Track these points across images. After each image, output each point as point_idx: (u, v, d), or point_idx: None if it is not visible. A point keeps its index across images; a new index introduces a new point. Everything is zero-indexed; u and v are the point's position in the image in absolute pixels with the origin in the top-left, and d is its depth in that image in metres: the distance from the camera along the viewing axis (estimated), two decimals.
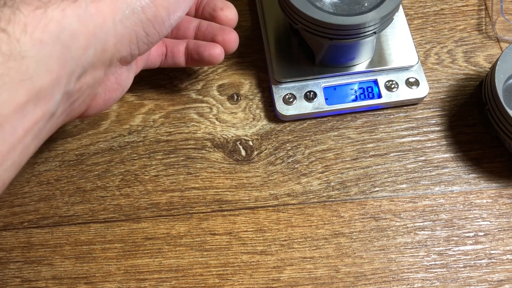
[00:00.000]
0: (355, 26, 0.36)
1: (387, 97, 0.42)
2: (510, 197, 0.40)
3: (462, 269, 0.37)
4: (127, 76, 0.33)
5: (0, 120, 0.22)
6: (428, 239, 0.38)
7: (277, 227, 0.39)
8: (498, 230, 0.38)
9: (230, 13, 0.40)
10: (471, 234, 0.38)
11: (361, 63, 0.43)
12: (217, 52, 0.38)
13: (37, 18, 0.23)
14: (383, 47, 0.44)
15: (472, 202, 0.39)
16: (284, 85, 0.43)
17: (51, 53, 0.24)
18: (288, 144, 0.42)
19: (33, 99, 0.23)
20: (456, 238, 0.38)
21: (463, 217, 0.39)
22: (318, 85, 0.43)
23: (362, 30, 0.37)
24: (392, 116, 0.43)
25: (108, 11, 0.27)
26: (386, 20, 0.38)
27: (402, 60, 0.43)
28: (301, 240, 0.38)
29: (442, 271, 0.37)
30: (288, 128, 0.43)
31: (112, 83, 0.32)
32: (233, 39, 0.39)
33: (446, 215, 0.39)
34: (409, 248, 0.38)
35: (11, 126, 0.23)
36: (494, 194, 0.40)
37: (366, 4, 0.37)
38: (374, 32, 0.38)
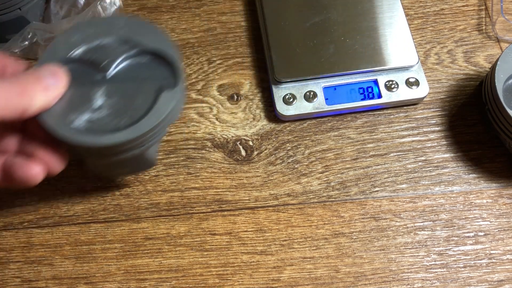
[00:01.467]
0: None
1: (387, 97, 0.42)
2: (510, 197, 0.40)
3: (462, 269, 0.37)
4: None
5: None
6: (428, 239, 0.38)
7: (277, 227, 0.39)
8: (498, 230, 0.38)
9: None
10: (471, 234, 0.38)
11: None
12: (35, 171, 0.31)
13: None
14: (383, 47, 0.44)
15: (472, 202, 0.39)
16: (284, 85, 0.43)
17: None
18: (288, 144, 0.42)
19: None
20: (456, 238, 0.38)
21: (463, 217, 0.39)
22: (318, 85, 0.43)
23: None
24: (392, 116, 0.43)
25: None
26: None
27: (402, 60, 0.43)
28: (301, 240, 0.38)
29: (442, 271, 0.37)
30: (288, 128, 0.43)
31: None
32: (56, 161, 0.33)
33: (446, 215, 0.39)
34: (409, 248, 0.38)
35: None
36: (494, 194, 0.40)
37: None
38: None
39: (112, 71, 0.34)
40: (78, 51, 0.35)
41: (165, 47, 0.35)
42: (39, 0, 0.46)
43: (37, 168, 0.32)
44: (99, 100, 0.33)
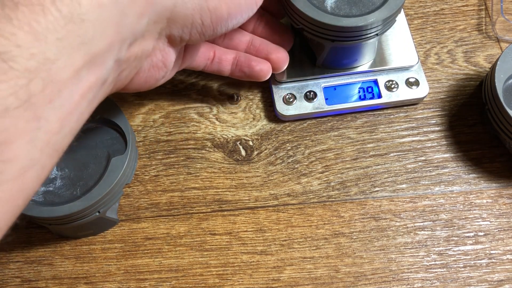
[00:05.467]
0: (358, 28, 0.36)
1: (387, 97, 0.42)
2: (510, 197, 0.40)
3: (462, 269, 0.37)
4: (172, 60, 0.33)
5: (59, 85, 0.21)
6: (428, 239, 0.38)
7: (277, 227, 0.39)
8: (498, 230, 0.38)
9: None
10: (471, 234, 0.38)
11: (363, 64, 0.43)
12: (266, 68, 0.39)
13: None
14: (383, 47, 0.44)
15: (472, 202, 0.39)
16: (284, 85, 0.43)
17: (109, 17, 0.23)
18: (288, 144, 0.42)
19: (88, 64, 0.23)
20: (456, 238, 0.38)
21: (463, 217, 0.39)
22: (318, 85, 0.43)
23: (364, 32, 0.37)
24: (392, 116, 0.43)
25: None
26: (389, 21, 0.38)
27: (402, 60, 0.43)
28: (301, 240, 0.38)
29: (442, 271, 0.37)
30: (288, 128, 0.43)
31: (158, 60, 0.32)
32: (284, 59, 0.40)
33: (446, 215, 0.39)
34: (409, 248, 0.38)
35: (69, 91, 0.22)
36: (494, 194, 0.40)
37: (368, 6, 0.37)
38: (377, 34, 0.38)
39: None
40: None
41: (112, 113, 0.37)
42: None
43: (268, 66, 0.40)
44: (53, 171, 0.36)
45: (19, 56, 0.20)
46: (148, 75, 0.32)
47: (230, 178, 0.41)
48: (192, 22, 0.30)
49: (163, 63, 0.32)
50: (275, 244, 0.38)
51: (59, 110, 0.22)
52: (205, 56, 0.39)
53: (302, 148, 0.42)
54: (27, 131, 0.21)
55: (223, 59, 0.39)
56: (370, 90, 0.43)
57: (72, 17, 0.21)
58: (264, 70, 0.39)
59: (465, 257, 0.37)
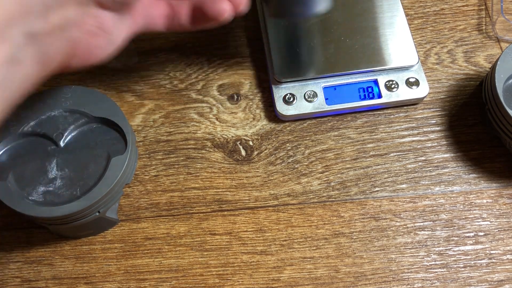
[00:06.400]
0: None
1: (387, 97, 0.42)
2: (510, 197, 0.40)
3: (462, 269, 0.37)
4: (114, 24, 0.30)
5: None
6: (428, 239, 0.38)
7: (277, 227, 0.39)
8: (498, 230, 0.38)
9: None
10: (471, 234, 0.38)
11: (320, 12, 0.39)
12: (223, 7, 0.33)
13: None
14: (383, 47, 0.44)
15: (472, 202, 0.39)
16: (284, 85, 0.43)
17: None
18: (288, 144, 0.42)
19: None
20: (456, 238, 0.38)
21: (463, 217, 0.39)
22: (318, 85, 0.43)
23: None
24: (392, 116, 0.43)
25: None
26: None
27: (402, 60, 0.43)
28: (301, 240, 0.38)
29: (442, 271, 0.37)
30: (288, 128, 0.43)
31: (92, 27, 0.28)
32: None
33: (446, 215, 0.39)
34: (409, 248, 0.38)
35: None
36: (494, 194, 0.40)
37: None
38: None
39: (64, 141, 0.37)
40: (29, 125, 0.37)
41: (112, 113, 0.37)
42: None
43: (225, 3, 0.33)
44: (53, 171, 0.36)
45: None
46: (89, 46, 0.29)
47: (230, 178, 0.41)
48: None
49: (100, 30, 0.29)
50: (275, 244, 0.38)
51: None
52: (160, 14, 0.35)
53: (302, 148, 0.42)
54: None
55: (179, 10, 0.35)
56: (370, 90, 0.43)
57: None
58: (221, 10, 0.33)
59: (465, 257, 0.37)
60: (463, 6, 0.48)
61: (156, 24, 0.35)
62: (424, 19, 0.48)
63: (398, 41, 0.44)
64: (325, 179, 0.41)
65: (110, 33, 0.30)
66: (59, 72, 0.29)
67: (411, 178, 0.40)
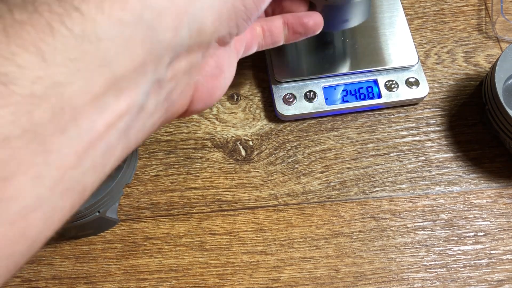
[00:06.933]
0: None
1: (387, 97, 0.42)
2: (510, 197, 0.40)
3: (462, 269, 0.37)
4: (228, 61, 0.29)
5: (74, 114, 0.18)
6: (428, 239, 0.38)
7: (277, 227, 0.39)
8: (498, 230, 0.38)
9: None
10: (471, 234, 0.38)
11: (356, 25, 0.40)
12: (318, 19, 0.35)
13: None
14: (383, 47, 0.44)
15: (472, 202, 0.39)
16: (284, 85, 0.43)
17: (133, 35, 0.20)
18: (288, 144, 0.42)
19: (114, 89, 0.20)
20: (456, 238, 0.38)
21: (463, 217, 0.39)
22: (318, 85, 0.43)
23: None
24: (392, 116, 0.43)
25: None
26: None
27: (402, 60, 0.43)
28: (301, 240, 0.38)
29: (442, 271, 0.37)
30: (288, 128, 0.43)
31: (212, 68, 0.28)
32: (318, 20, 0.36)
33: (446, 215, 0.39)
34: (409, 248, 0.38)
35: (89, 121, 0.19)
36: (494, 194, 0.40)
37: None
38: None
39: None
40: None
41: None
42: None
43: (318, 16, 0.35)
44: None
45: (21, 78, 0.17)
46: (209, 88, 0.28)
47: (230, 178, 0.41)
48: (235, 12, 0.26)
49: (219, 70, 0.29)
50: (275, 244, 0.38)
51: (75, 142, 0.19)
52: (253, 36, 0.35)
53: (302, 148, 0.42)
54: (33, 166, 0.18)
55: (273, 29, 0.35)
56: (370, 90, 0.43)
57: (86, 36, 0.19)
58: (317, 22, 0.35)
59: (465, 257, 0.37)
60: (463, 6, 0.48)
61: (251, 47, 0.35)
62: (424, 19, 0.48)
63: (398, 41, 0.44)
64: (325, 179, 0.41)
65: (227, 72, 0.30)
66: (178, 118, 0.28)
67: (411, 178, 0.40)
